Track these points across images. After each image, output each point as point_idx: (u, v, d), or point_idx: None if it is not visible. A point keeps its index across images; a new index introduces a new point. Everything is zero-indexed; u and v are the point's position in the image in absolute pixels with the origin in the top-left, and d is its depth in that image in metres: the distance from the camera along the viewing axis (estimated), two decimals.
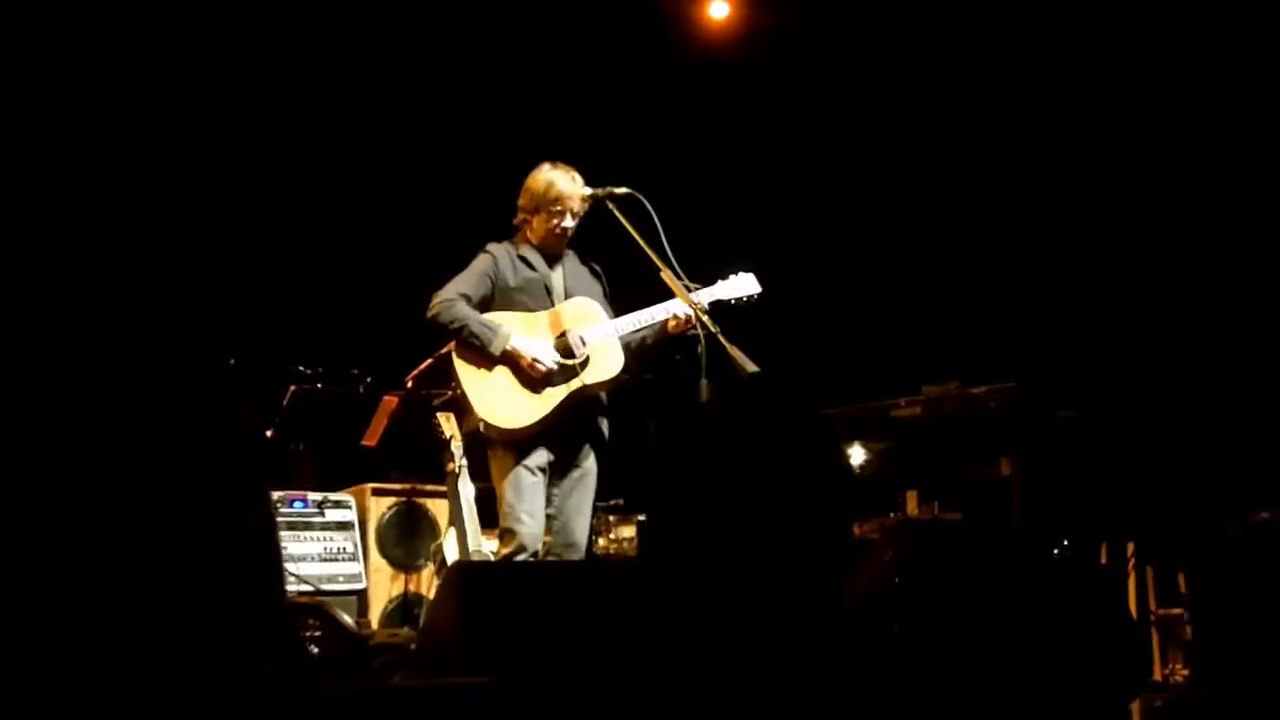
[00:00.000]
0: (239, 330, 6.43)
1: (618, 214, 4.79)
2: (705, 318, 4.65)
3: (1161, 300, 6.77)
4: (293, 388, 6.39)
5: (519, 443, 4.79)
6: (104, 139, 6.29)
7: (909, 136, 7.67)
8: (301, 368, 6.47)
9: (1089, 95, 7.10)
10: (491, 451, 4.92)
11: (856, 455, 5.95)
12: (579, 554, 4.90)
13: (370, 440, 6.44)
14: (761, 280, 5.06)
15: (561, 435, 4.84)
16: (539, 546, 4.81)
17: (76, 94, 6.20)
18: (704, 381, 4.54)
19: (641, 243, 4.69)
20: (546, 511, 4.86)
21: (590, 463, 4.95)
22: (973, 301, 7.30)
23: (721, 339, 4.55)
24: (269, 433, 6.35)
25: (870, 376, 6.26)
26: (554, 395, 4.77)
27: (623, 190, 4.84)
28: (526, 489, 4.76)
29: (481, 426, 4.83)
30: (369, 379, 6.53)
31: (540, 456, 4.80)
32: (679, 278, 4.75)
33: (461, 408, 5.00)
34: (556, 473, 4.87)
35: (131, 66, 6.43)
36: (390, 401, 6.33)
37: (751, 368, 4.46)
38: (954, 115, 7.56)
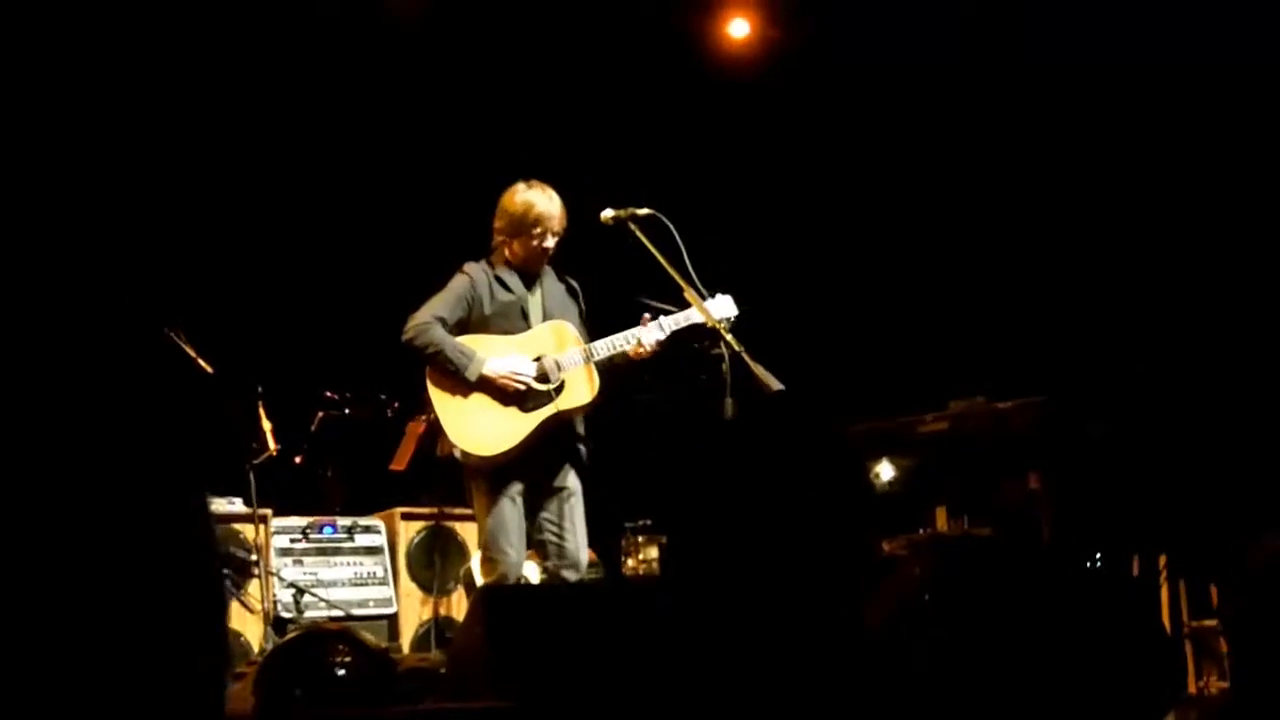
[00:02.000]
0: (267, 357, 6.46)
1: (640, 235, 4.78)
2: (729, 336, 4.63)
3: (1191, 312, 6.73)
4: (320, 414, 6.42)
5: (495, 469, 4.75)
6: (133, 164, 6.34)
7: (935, 153, 7.66)
8: (329, 393, 6.50)
9: (1127, 105, 7.07)
10: (470, 478, 4.88)
11: (884, 472, 5.93)
12: (580, 573, 4.87)
13: (398, 464, 6.45)
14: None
15: (538, 460, 4.79)
16: (521, 574, 4.79)
17: (108, 119, 6.25)
18: (729, 400, 4.53)
19: (664, 263, 4.69)
20: (543, 536, 4.84)
21: (573, 481, 4.90)
22: (999, 316, 7.28)
23: (746, 357, 4.54)
24: (298, 459, 6.38)
25: (896, 392, 6.24)
26: (529, 421, 4.73)
27: (645, 211, 4.82)
28: (507, 518, 4.73)
29: (456, 453, 4.79)
30: (396, 404, 6.54)
31: (518, 484, 4.77)
32: (703, 298, 4.74)
33: (436, 433, 4.95)
34: (543, 497, 4.83)
35: (165, 95, 6.48)
36: (418, 426, 6.34)
37: (776, 385, 4.45)
38: (980, 132, 7.55)
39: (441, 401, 4.75)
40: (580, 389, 4.80)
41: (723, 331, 4.65)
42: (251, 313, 6.66)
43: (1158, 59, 6.77)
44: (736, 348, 4.57)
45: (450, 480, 6.29)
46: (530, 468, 4.78)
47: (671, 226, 4.71)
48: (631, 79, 7.59)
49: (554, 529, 4.83)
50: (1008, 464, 5.52)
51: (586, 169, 5.12)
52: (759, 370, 4.48)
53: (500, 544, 4.71)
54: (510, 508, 4.74)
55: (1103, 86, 7.08)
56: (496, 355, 4.75)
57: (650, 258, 4.72)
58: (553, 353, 4.80)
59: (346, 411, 6.48)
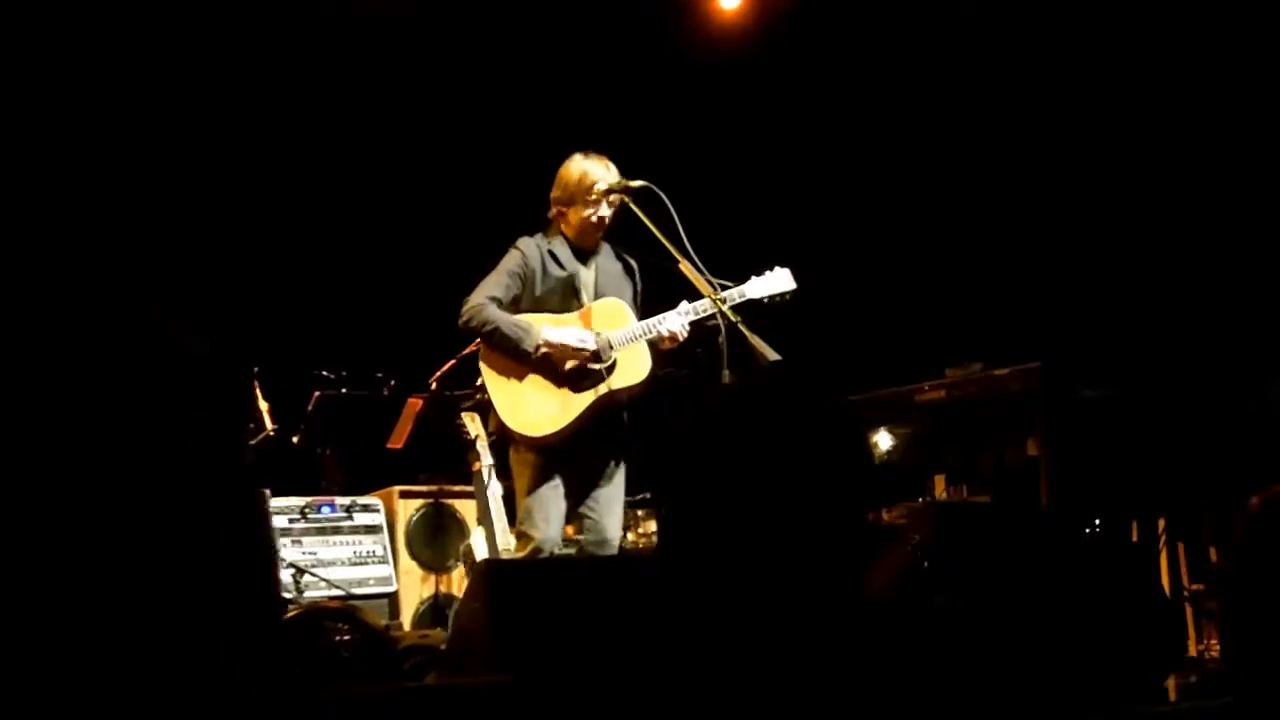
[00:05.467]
0: (262, 337, 6.45)
1: (634, 207, 4.76)
2: (725, 307, 4.62)
3: (1185, 275, 6.72)
4: (317, 393, 6.41)
5: (545, 448, 4.76)
6: (123, 145, 6.31)
7: (928, 121, 7.64)
8: (325, 373, 6.49)
9: (1110, 76, 7.06)
10: (515, 452, 4.87)
11: (883, 441, 5.93)
12: (612, 550, 4.87)
13: (396, 443, 6.45)
14: (782, 267, 5.00)
15: (587, 439, 4.78)
16: (555, 550, 4.79)
17: (96, 101, 6.21)
18: (725, 371, 4.52)
19: (659, 235, 4.66)
20: (580, 511, 4.84)
21: (618, 460, 4.91)
22: (994, 283, 7.27)
23: (742, 328, 4.53)
24: (295, 439, 6.37)
25: (893, 361, 6.23)
26: (580, 401, 4.72)
27: (638, 183, 4.79)
28: (546, 494, 4.73)
29: (507, 431, 4.81)
30: (393, 382, 6.54)
31: (565, 462, 4.76)
32: (698, 270, 4.72)
33: (487, 411, 4.98)
34: (585, 475, 4.82)
35: (151, 70, 6.44)
36: (415, 404, 6.34)
37: (773, 356, 4.44)
38: (974, 98, 7.52)
39: (494, 381, 4.75)
40: (631, 368, 4.77)
41: (718, 303, 4.64)
42: (246, 292, 6.64)
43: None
44: (733, 319, 4.57)
45: (448, 458, 6.31)
46: (579, 447, 4.77)
47: (665, 198, 4.68)
48: (622, 52, 7.56)
49: (592, 506, 4.83)
50: (1006, 430, 5.52)
51: (577, 144, 5.07)
52: (755, 341, 4.47)
53: (535, 519, 4.70)
54: (552, 486, 4.73)
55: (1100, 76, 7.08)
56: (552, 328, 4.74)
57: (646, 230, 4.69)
58: (605, 330, 4.78)
59: (343, 390, 6.47)
